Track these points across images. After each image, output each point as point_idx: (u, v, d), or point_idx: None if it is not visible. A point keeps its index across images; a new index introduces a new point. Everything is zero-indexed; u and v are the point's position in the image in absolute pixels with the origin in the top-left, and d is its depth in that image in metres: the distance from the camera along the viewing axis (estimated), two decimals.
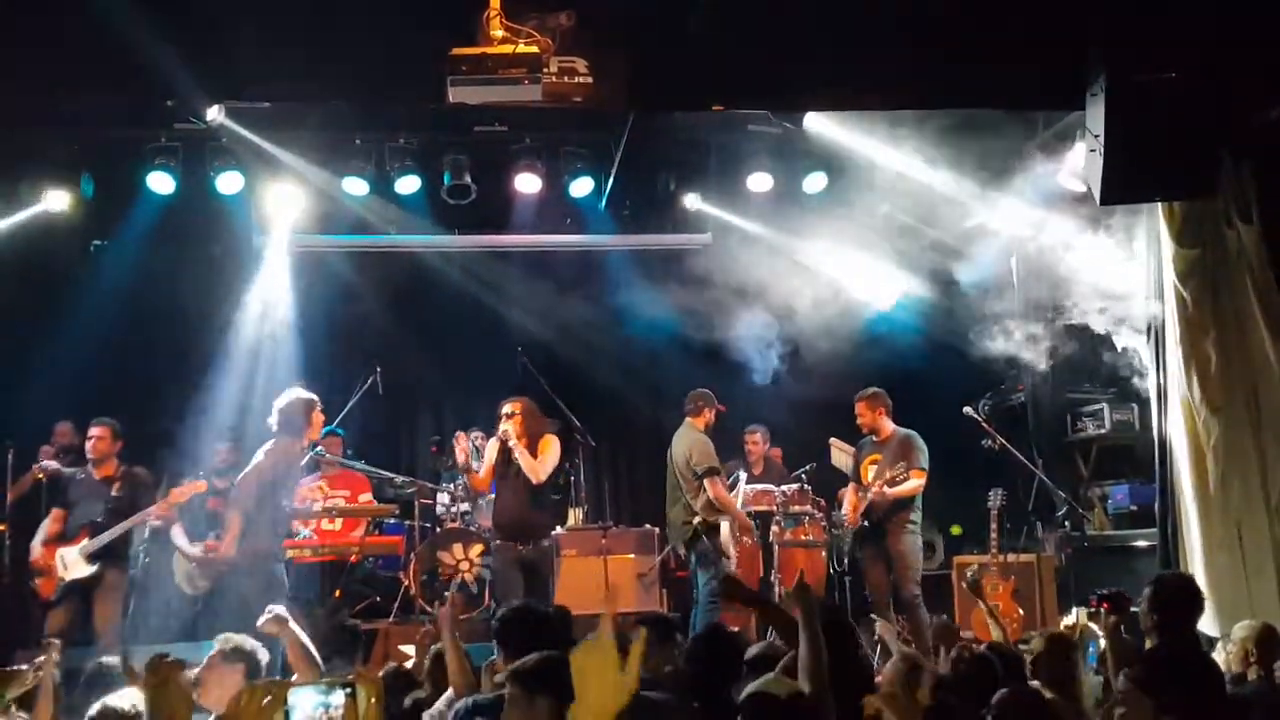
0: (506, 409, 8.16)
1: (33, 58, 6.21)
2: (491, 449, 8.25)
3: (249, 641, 4.64)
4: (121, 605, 7.75)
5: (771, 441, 10.25)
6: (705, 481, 8.37)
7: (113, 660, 5.15)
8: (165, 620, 8.87)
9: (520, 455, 7.98)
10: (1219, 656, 5.08)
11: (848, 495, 8.79)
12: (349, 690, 2.39)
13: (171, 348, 10.30)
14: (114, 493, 7.77)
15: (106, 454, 7.81)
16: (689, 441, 8.56)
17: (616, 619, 2.17)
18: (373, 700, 2.41)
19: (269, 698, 2.33)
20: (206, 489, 8.32)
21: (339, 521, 9.13)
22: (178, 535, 9.05)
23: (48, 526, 7.70)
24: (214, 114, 7.68)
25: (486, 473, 8.27)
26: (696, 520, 8.36)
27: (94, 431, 7.82)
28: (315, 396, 7.68)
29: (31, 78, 6.30)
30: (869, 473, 8.48)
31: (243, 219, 9.84)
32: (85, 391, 9.24)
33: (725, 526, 8.39)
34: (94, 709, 3.70)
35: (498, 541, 8.14)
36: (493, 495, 8.60)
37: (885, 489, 8.22)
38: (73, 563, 7.49)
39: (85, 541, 7.54)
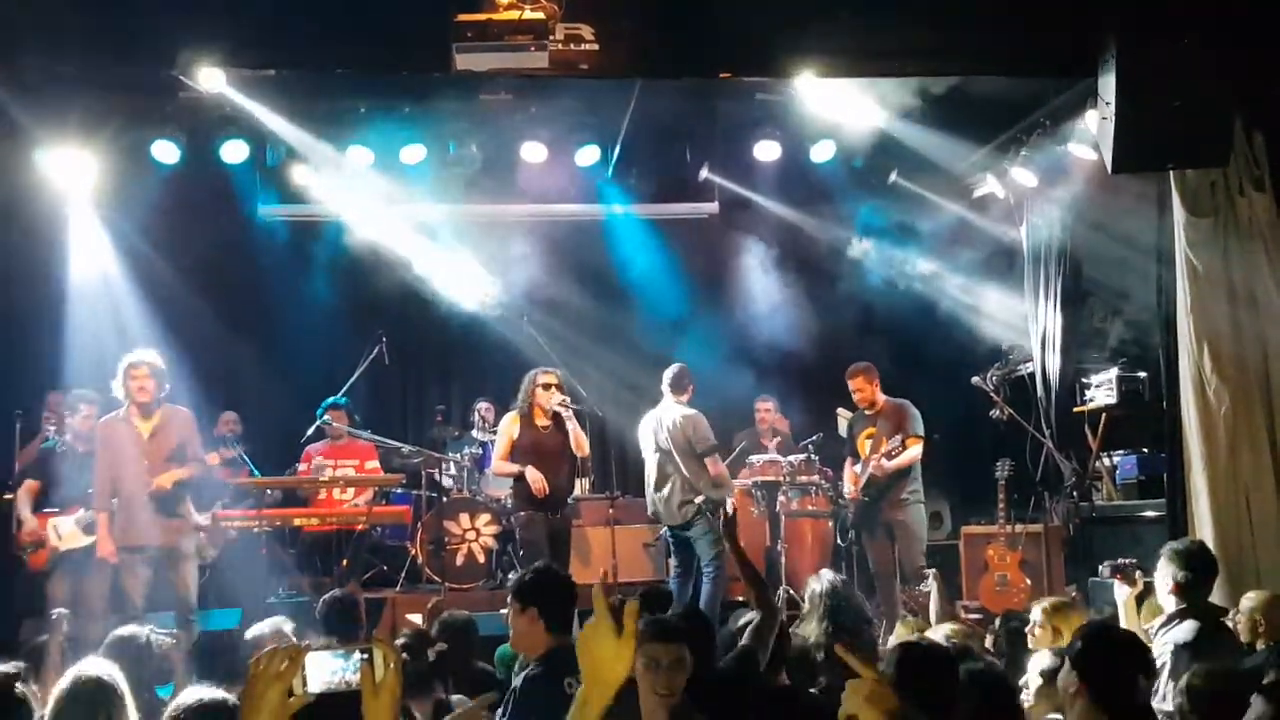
0: (547, 379, 7.97)
1: (34, 23, 6.16)
2: (511, 421, 8.00)
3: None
4: (110, 577, 7.71)
5: (780, 412, 10.23)
6: (708, 460, 8.22)
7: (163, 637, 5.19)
8: (174, 588, 8.89)
9: (574, 428, 7.95)
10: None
11: (846, 470, 8.73)
12: (366, 655, 2.37)
13: (178, 316, 10.28)
14: None
15: (93, 429, 7.70)
16: (684, 420, 8.26)
17: (607, 590, 2.23)
18: (390, 665, 2.39)
19: (286, 661, 2.33)
20: (219, 462, 8.31)
21: (347, 491, 9.16)
22: (184, 506, 9.08)
23: (25, 498, 7.61)
24: (218, 82, 7.60)
25: (507, 448, 7.98)
26: (700, 499, 8.17)
27: (89, 410, 7.68)
28: None
29: (33, 40, 6.25)
30: (865, 446, 8.42)
31: (247, 188, 9.81)
32: (88, 361, 9.22)
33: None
34: (189, 700, 3.61)
35: (528, 513, 7.91)
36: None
37: (884, 462, 8.16)
38: (68, 533, 7.47)
39: (81, 513, 7.50)
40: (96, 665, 3.91)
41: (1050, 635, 4.92)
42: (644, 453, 8.47)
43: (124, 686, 3.88)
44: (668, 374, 8.50)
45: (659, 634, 3.86)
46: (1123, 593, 5.22)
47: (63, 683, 3.79)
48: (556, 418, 7.96)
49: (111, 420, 7.38)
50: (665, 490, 8.25)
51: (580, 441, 8.01)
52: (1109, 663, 3.41)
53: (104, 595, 7.53)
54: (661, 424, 8.33)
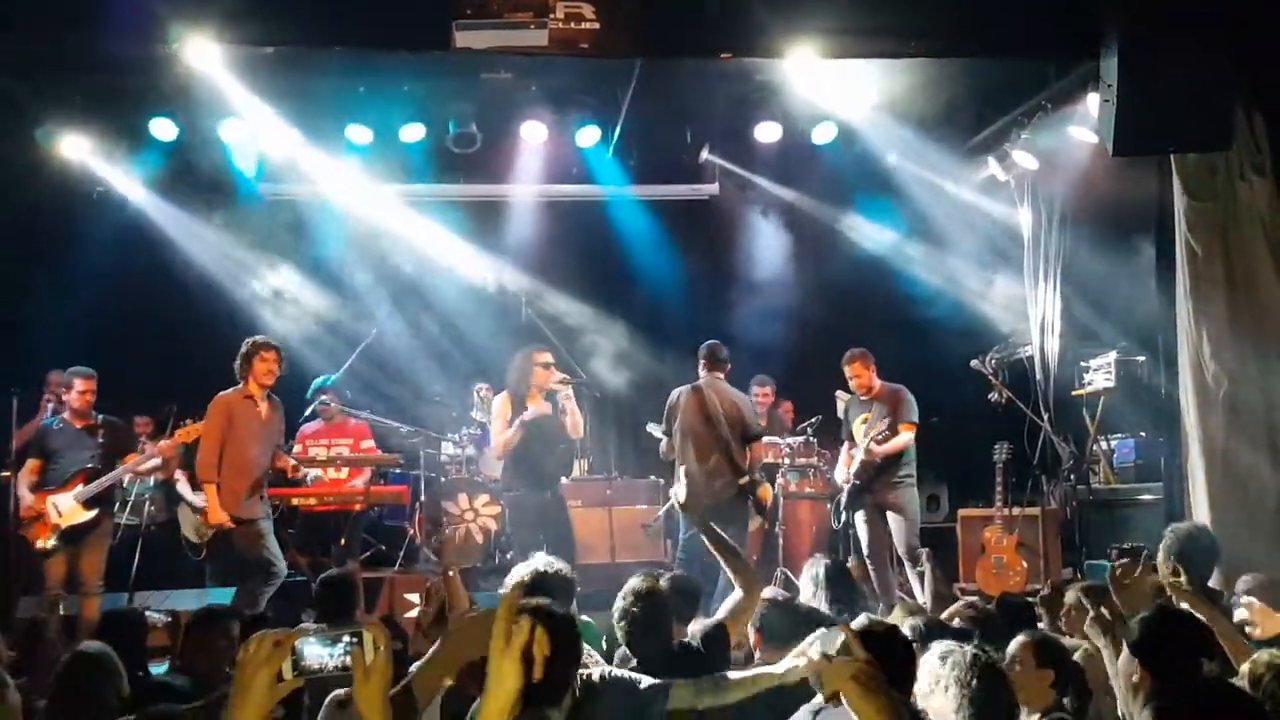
0: (545, 358, 7.89)
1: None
2: (504, 402, 7.89)
3: None
4: (107, 552, 7.74)
5: (777, 395, 10.22)
6: (755, 444, 8.09)
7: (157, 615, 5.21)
8: (172, 568, 8.93)
9: (572, 407, 7.88)
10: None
11: (842, 454, 8.71)
12: (356, 639, 2.37)
13: (174, 295, 10.28)
14: (100, 440, 7.74)
15: (91, 405, 7.76)
16: (740, 400, 8.10)
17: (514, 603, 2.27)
18: (380, 648, 2.38)
19: (276, 645, 2.32)
20: None
21: (344, 470, 9.16)
22: (183, 485, 9.11)
23: (27, 477, 7.62)
24: (215, 60, 7.57)
25: (507, 445, 7.84)
26: (744, 480, 7.97)
27: (86, 385, 7.71)
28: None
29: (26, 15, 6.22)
30: (860, 431, 8.38)
31: (245, 165, 9.79)
32: (85, 339, 9.23)
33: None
34: None
35: (520, 493, 7.91)
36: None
37: (874, 446, 8.15)
38: (68, 509, 7.47)
39: (80, 487, 7.51)
40: (93, 644, 3.94)
41: None
42: (680, 427, 8.01)
43: (118, 662, 3.91)
44: (710, 349, 8.21)
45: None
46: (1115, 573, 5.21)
47: (64, 660, 3.82)
48: (551, 398, 7.90)
49: (232, 396, 7.50)
50: (709, 466, 7.90)
51: (576, 423, 7.92)
52: (1171, 648, 3.45)
53: (100, 571, 7.57)
54: (713, 399, 8.01)
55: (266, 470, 7.53)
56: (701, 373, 8.18)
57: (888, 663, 3.25)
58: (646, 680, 3.73)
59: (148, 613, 5.81)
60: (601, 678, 3.68)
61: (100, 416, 7.82)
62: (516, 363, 7.93)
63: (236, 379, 7.53)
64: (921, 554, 8.17)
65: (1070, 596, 5.04)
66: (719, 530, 4.87)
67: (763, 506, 8.37)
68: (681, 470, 7.70)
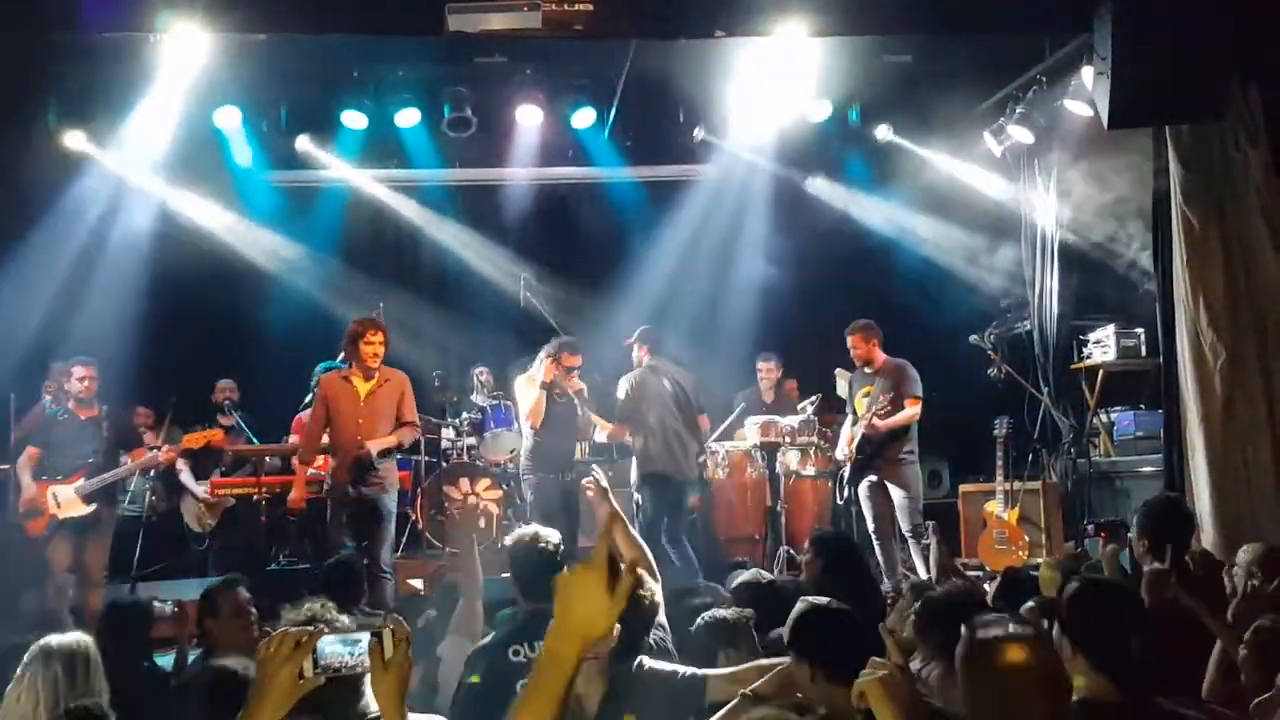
0: (573, 362, 8.10)
1: None
2: (530, 388, 8.07)
3: None
4: (110, 545, 7.75)
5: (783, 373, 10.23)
6: (701, 416, 8.60)
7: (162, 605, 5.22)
8: (175, 558, 8.95)
9: (587, 413, 8.24)
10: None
11: (844, 430, 8.72)
12: (376, 637, 2.39)
13: (172, 284, 10.28)
14: (105, 433, 7.72)
15: (94, 394, 7.73)
16: (687, 377, 8.48)
17: (613, 544, 2.01)
18: (398, 645, 2.41)
19: (298, 643, 2.34)
20: (222, 437, 8.33)
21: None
22: (185, 474, 9.12)
23: (26, 464, 7.59)
24: (205, 48, 7.57)
25: (537, 412, 8.03)
26: (702, 454, 8.61)
27: (86, 371, 7.67)
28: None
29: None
30: (863, 405, 8.40)
31: (240, 153, 9.78)
32: (84, 331, 9.23)
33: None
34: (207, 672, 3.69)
35: (539, 475, 8.05)
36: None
37: (876, 421, 8.16)
38: (67, 501, 7.47)
39: (81, 481, 7.50)
40: (66, 635, 3.97)
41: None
42: (647, 408, 8.25)
43: (95, 655, 3.92)
44: (651, 335, 8.56)
45: None
46: (1108, 551, 5.22)
47: (31, 652, 3.84)
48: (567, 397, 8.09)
49: (334, 376, 7.67)
50: (681, 443, 8.28)
51: (586, 427, 8.28)
52: (1097, 621, 3.29)
53: (104, 563, 7.59)
54: (670, 381, 8.34)
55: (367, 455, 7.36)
56: (643, 358, 8.45)
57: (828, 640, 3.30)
58: (684, 670, 3.76)
59: (154, 603, 5.81)
60: (638, 665, 3.71)
61: (104, 407, 7.80)
62: (546, 353, 8.08)
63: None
64: (926, 528, 8.21)
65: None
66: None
67: (706, 481, 8.96)
68: (655, 444, 8.15)
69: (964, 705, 2.47)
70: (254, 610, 4.75)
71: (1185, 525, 4.94)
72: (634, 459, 8.35)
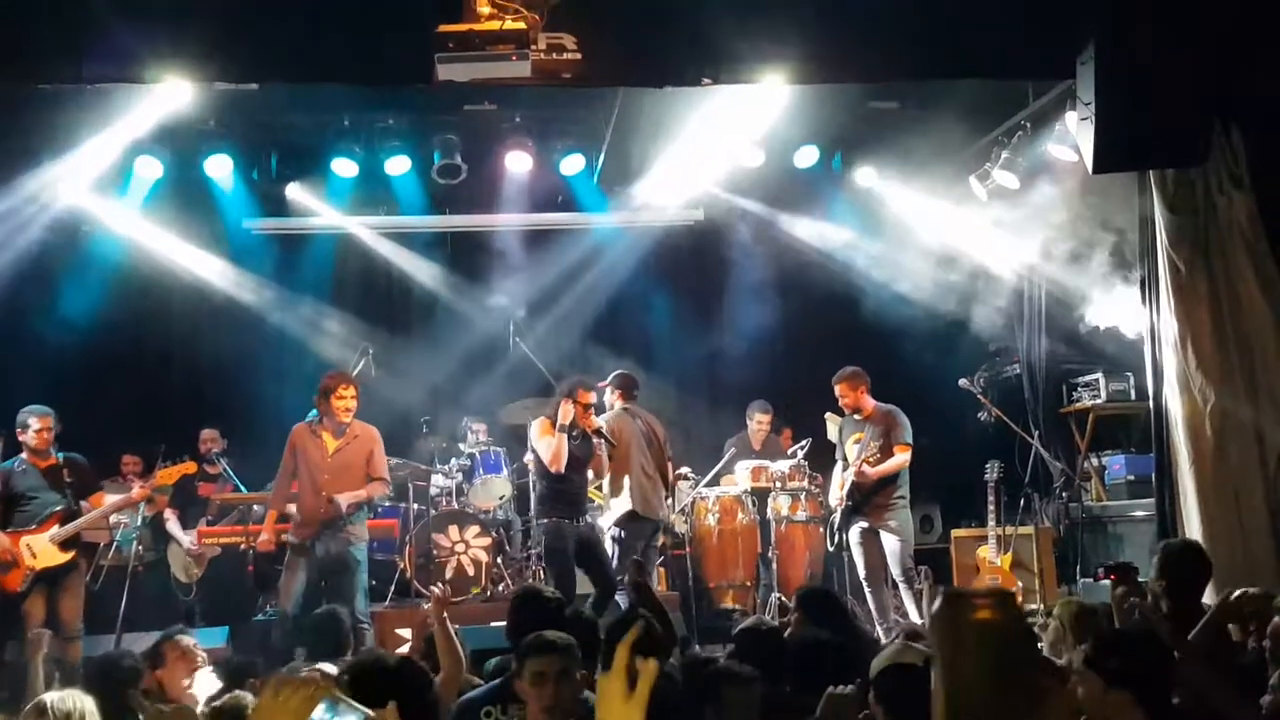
0: (589, 399, 7.95)
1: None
2: (548, 433, 7.86)
3: None
4: (84, 593, 7.63)
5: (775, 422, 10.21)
6: (669, 460, 8.65)
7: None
8: (161, 608, 8.85)
9: (601, 454, 8.08)
10: None
11: (835, 475, 8.70)
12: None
13: (162, 332, 10.29)
14: (67, 479, 7.59)
15: (49, 444, 7.56)
16: (657, 423, 8.52)
17: (632, 646, 2.09)
18: None
19: (309, 697, 2.29)
20: (196, 470, 8.25)
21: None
22: (172, 524, 9.05)
23: None
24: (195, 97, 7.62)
25: (560, 456, 7.83)
26: (669, 499, 8.67)
27: (43, 423, 7.48)
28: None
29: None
30: (853, 451, 8.38)
31: (231, 201, 9.81)
32: (71, 378, 9.21)
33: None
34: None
35: (555, 520, 7.87)
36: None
37: (865, 468, 8.15)
38: (43, 551, 7.34)
39: (56, 529, 7.38)
40: (67, 696, 3.93)
41: None
42: (624, 447, 8.22)
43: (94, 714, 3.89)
44: (628, 380, 8.58)
45: (541, 648, 3.93)
46: (1117, 594, 5.19)
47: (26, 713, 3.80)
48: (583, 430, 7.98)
49: (304, 429, 7.68)
50: (653, 485, 8.28)
51: (601, 468, 8.14)
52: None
53: (80, 614, 7.47)
54: (644, 424, 8.38)
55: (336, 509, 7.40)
56: (616, 401, 8.46)
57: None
58: None
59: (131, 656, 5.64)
60: None
61: (61, 455, 7.63)
62: (563, 393, 7.94)
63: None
64: (918, 573, 8.18)
65: None
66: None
67: (677, 533, 9.10)
68: (631, 484, 8.12)
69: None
70: (200, 653, 4.81)
71: (1204, 570, 4.92)
72: (610, 500, 8.28)
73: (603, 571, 7.83)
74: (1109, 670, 3.40)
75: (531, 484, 8.65)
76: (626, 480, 8.17)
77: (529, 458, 8.68)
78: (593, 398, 7.99)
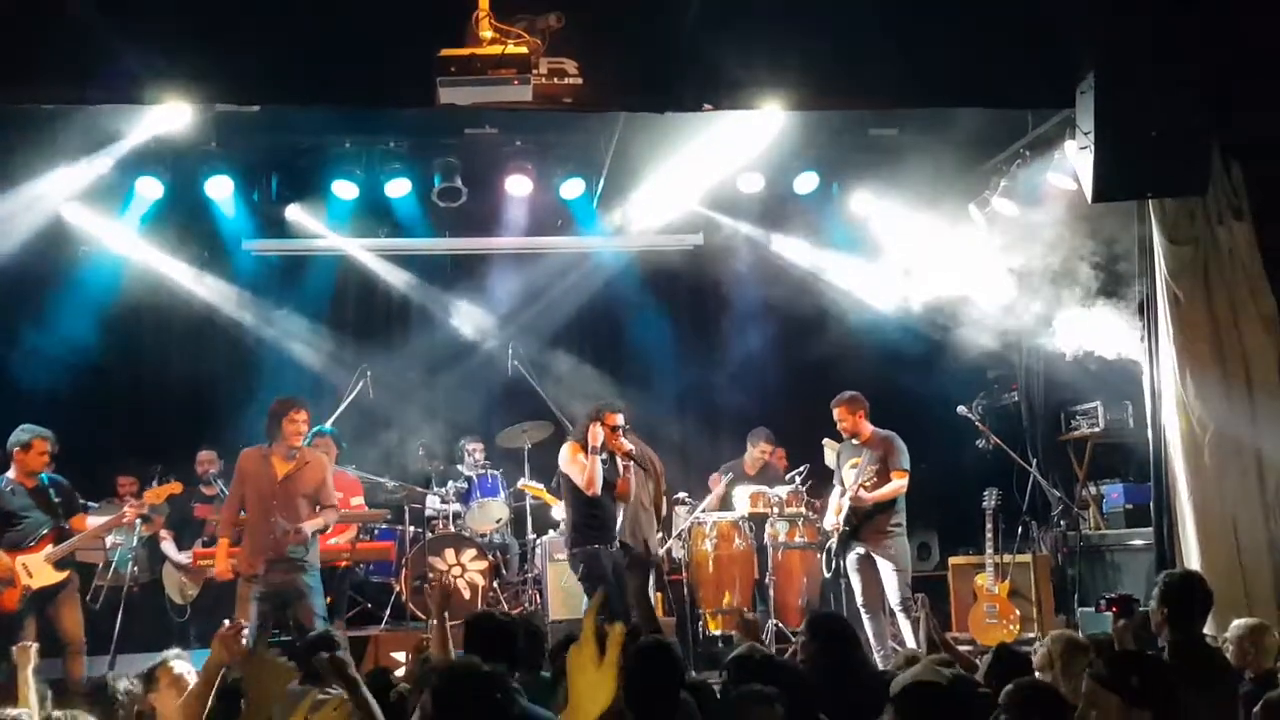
0: (616, 421, 7.85)
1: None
2: (579, 456, 7.78)
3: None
4: (81, 606, 7.61)
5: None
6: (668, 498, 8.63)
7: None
8: (156, 629, 8.81)
9: (629, 476, 7.94)
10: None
11: (831, 501, 8.68)
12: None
13: (156, 352, 10.28)
14: (56, 499, 7.57)
15: (47, 466, 7.59)
16: (654, 455, 8.37)
17: (597, 617, 2.14)
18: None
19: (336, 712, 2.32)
20: (182, 490, 8.22)
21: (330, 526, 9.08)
22: (167, 544, 9.03)
23: None
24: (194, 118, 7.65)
25: (593, 479, 7.76)
26: (660, 534, 8.50)
27: (44, 444, 7.50)
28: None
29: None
30: (850, 477, 8.35)
31: (231, 222, 9.82)
32: (68, 399, 9.19)
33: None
34: None
35: (592, 546, 7.77)
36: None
37: (862, 493, 8.12)
38: (38, 570, 7.34)
39: (50, 548, 7.38)
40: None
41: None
42: (634, 485, 8.10)
43: None
44: (622, 408, 8.34)
45: None
46: (1119, 626, 5.17)
47: None
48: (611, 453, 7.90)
49: (253, 454, 7.61)
50: (650, 516, 8.17)
51: (627, 490, 7.96)
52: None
53: (82, 626, 7.46)
54: (648, 460, 8.22)
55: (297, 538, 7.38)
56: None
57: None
58: None
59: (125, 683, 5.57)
60: None
61: (45, 477, 7.61)
62: (591, 417, 7.87)
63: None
64: (916, 600, 8.14)
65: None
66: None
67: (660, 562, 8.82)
68: (627, 512, 7.98)
69: None
70: (192, 679, 4.84)
71: (1205, 600, 4.90)
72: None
73: (641, 593, 7.79)
74: (1129, 689, 3.41)
75: (527, 509, 8.60)
76: (622, 508, 8.06)
77: (547, 484, 8.65)
78: (620, 419, 7.88)
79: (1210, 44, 6.49)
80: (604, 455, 7.76)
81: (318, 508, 7.58)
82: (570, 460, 7.85)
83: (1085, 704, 3.50)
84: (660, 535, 8.53)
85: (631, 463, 7.90)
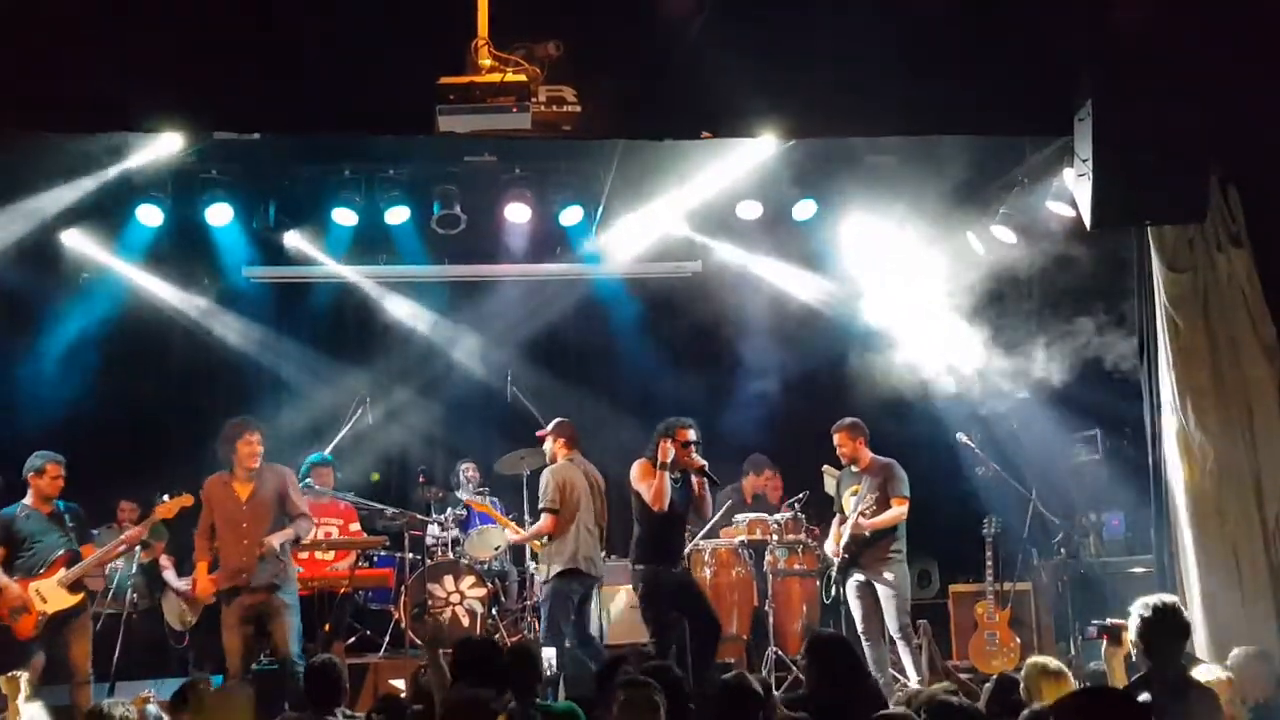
0: (688, 436, 7.69)
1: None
2: (649, 474, 7.65)
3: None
4: (91, 636, 7.60)
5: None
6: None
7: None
8: (155, 656, 8.78)
9: (703, 493, 7.92)
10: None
11: (832, 528, 8.64)
12: None
13: (156, 378, 10.27)
14: (70, 525, 7.61)
15: (59, 491, 7.60)
16: (599, 476, 8.43)
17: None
18: None
19: None
20: (193, 502, 8.22)
21: (329, 553, 9.06)
22: (168, 571, 9.01)
23: None
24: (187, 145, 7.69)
25: (662, 495, 7.61)
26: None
27: (58, 470, 7.53)
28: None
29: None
30: (850, 504, 8.34)
31: (230, 248, 9.85)
32: (69, 425, 9.18)
33: None
34: None
35: (653, 566, 7.66)
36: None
37: (861, 520, 8.09)
38: (52, 595, 7.33)
39: (63, 571, 7.38)
40: None
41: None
42: (576, 500, 8.14)
43: None
44: (570, 429, 8.45)
45: None
46: (1110, 653, 5.15)
47: None
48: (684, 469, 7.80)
49: (216, 481, 7.74)
50: (595, 540, 8.24)
51: (706, 507, 8.03)
52: None
53: (89, 657, 7.44)
54: (592, 476, 8.34)
55: (266, 552, 7.49)
56: (560, 451, 8.36)
57: None
58: None
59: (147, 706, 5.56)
60: None
61: (61, 504, 7.63)
62: (660, 432, 7.76)
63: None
64: (916, 628, 8.12)
65: None
66: None
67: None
68: (577, 538, 8.02)
69: None
70: None
71: (1181, 632, 4.86)
72: (549, 552, 8.10)
73: (703, 614, 7.71)
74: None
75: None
76: (570, 533, 8.03)
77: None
78: (692, 434, 7.73)
79: (1208, 72, 6.51)
80: (675, 474, 7.67)
81: (288, 520, 7.65)
82: (640, 477, 7.74)
83: None
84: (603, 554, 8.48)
85: (706, 479, 7.81)
